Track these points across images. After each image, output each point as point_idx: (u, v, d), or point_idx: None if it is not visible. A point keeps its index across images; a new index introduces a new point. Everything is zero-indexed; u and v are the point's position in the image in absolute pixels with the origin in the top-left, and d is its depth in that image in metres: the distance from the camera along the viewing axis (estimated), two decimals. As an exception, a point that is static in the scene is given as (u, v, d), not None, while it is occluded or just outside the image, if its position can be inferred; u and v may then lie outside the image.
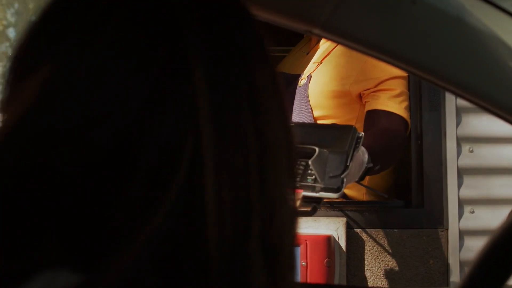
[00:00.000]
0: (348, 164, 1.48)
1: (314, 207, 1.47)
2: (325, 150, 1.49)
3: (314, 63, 2.28)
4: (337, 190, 1.46)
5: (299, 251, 2.00)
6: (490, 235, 0.80)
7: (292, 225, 0.53)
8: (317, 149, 1.51)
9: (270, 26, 0.91)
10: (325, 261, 2.01)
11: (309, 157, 1.50)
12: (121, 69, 0.47)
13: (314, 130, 1.61)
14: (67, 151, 0.46)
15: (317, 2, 0.82)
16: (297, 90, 2.25)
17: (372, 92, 2.11)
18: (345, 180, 1.47)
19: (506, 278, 0.79)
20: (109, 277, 0.43)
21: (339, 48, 2.19)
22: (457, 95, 1.00)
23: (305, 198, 1.46)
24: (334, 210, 2.19)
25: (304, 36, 2.44)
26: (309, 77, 2.24)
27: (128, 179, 0.45)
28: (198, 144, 0.46)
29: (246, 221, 0.48)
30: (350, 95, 2.15)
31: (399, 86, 2.10)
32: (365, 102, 2.13)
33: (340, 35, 0.88)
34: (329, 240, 2.05)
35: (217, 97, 0.48)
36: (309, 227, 2.10)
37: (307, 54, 2.39)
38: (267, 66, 0.53)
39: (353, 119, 2.15)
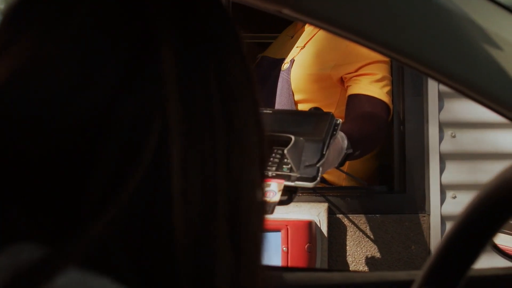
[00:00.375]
0: (324, 152, 1.47)
1: (290, 196, 1.46)
2: (301, 138, 1.48)
3: (297, 47, 2.28)
4: (312, 179, 1.44)
5: (280, 236, 2.00)
6: (455, 220, 0.79)
7: (260, 211, 0.53)
8: (293, 137, 1.49)
9: (264, 13, 0.90)
10: (306, 246, 2.01)
11: (286, 146, 1.48)
12: (90, 50, 0.48)
13: (291, 117, 1.60)
14: (34, 129, 0.47)
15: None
16: (280, 74, 2.25)
17: (354, 76, 2.10)
18: (320, 169, 1.45)
19: (470, 263, 0.78)
20: (74, 252, 0.43)
21: (322, 32, 2.19)
22: (432, 78, 0.99)
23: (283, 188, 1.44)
24: (316, 196, 2.18)
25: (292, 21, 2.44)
26: (292, 61, 2.23)
27: (96, 157, 0.46)
28: (166, 125, 0.47)
29: (211, 202, 0.48)
30: (331, 79, 2.14)
31: (381, 71, 2.10)
32: (347, 86, 2.12)
33: (310, 15, 0.86)
34: (310, 226, 2.05)
35: (185, 79, 0.49)
36: (291, 212, 2.10)
37: (292, 37, 2.39)
38: (238, 54, 0.54)
39: (334, 103, 2.15)
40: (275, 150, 1.49)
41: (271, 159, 1.48)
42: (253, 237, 0.52)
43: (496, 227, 0.76)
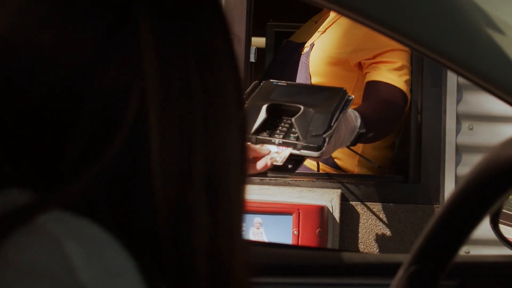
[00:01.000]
0: (332, 124, 1.48)
1: (295, 164, 1.48)
2: (311, 109, 1.50)
3: (318, 32, 2.30)
4: (317, 148, 1.45)
5: (291, 219, 2.01)
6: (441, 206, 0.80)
7: (239, 172, 0.55)
8: (302, 107, 1.51)
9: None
10: (317, 230, 2.02)
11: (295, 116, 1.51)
12: (68, 15, 0.49)
13: (304, 90, 1.62)
14: (19, 89, 0.49)
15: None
16: (300, 58, 2.27)
17: (373, 63, 2.11)
18: (327, 139, 1.46)
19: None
20: (60, 200, 0.46)
21: (344, 18, 2.20)
22: (435, 61, 1.00)
23: (290, 156, 1.46)
24: (330, 182, 2.19)
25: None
26: (312, 45, 2.25)
27: (79, 116, 0.48)
28: (144, 88, 0.49)
29: (189, 162, 0.50)
30: (348, 63, 2.15)
31: (400, 59, 2.10)
32: (365, 73, 2.13)
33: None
34: (322, 211, 2.06)
35: (162, 43, 0.50)
36: (304, 197, 2.12)
37: (316, 23, 2.41)
38: (219, 25, 0.55)
39: (350, 88, 2.15)
40: (285, 120, 1.51)
41: (280, 127, 1.50)
42: (231, 198, 0.54)
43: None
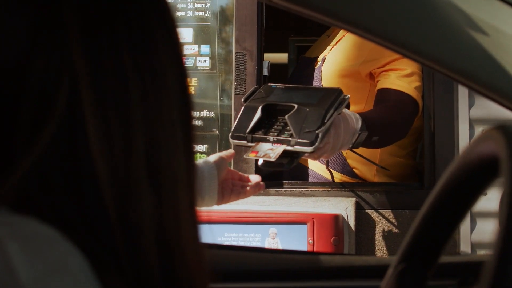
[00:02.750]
0: (325, 121, 1.51)
1: (290, 161, 1.51)
2: (305, 108, 1.54)
3: (329, 46, 2.32)
4: (310, 144, 1.49)
5: (306, 228, 2.03)
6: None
7: (181, 152, 0.55)
8: (296, 105, 1.55)
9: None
10: (332, 239, 2.03)
11: None
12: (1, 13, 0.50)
13: (301, 91, 1.65)
14: None
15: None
16: (314, 72, 2.29)
17: (383, 71, 2.12)
18: (320, 135, 1.49)
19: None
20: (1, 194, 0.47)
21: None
22: (420, 63, 1.01)
23: (285, 153, 1.51)
24: (344, 191, 2.21)
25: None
26: (323, 59, 2.27)
27: (13, 112, 0.49)
28: (75, 80, 0.50)
29: (128, 143, 0.51)
30: (359, 74, 2.17)
31: (410, 66, 2.11)
32: (376, 81, 2.15)
33: (296, 3, 0.90)
34: (336, 219, 2.07)
35: (89, 27, 0.51)
36: (318, 206, 2.13)
37: (328, 37, 2.43)
38: (155, 10, 0.55)
39: (363, 99, 2.17)
40: (280, 119, 1.56)
41: (275, 126, 1.55)
42: (174, 175, 0.54)
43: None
